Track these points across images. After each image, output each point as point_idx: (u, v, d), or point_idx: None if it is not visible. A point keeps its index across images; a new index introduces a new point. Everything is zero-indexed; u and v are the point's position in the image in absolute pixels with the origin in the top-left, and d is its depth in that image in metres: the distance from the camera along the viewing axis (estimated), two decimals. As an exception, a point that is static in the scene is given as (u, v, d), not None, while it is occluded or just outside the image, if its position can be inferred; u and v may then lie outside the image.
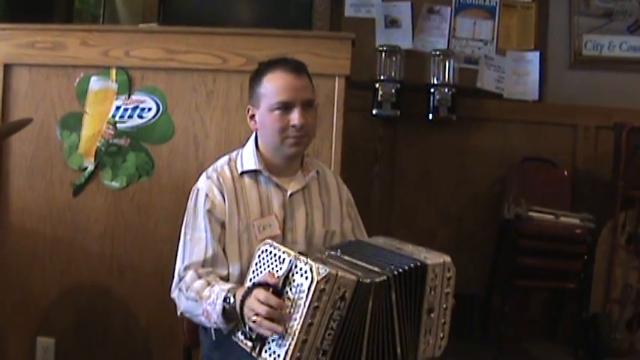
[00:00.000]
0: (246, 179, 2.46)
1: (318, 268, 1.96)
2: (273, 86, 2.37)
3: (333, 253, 2.24)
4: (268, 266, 2.11)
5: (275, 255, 2.11)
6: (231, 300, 2.15)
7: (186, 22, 4.39)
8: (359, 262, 2.16)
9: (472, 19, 4.87)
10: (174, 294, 2.40)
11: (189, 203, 2.46)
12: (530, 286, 4.46)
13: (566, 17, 4.84)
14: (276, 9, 5.11)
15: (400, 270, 2.11)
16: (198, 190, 2.44)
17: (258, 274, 2.15)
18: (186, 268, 2.38)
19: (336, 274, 1.97)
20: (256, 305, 2.03)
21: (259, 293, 2.04)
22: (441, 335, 2.24)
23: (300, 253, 2.06)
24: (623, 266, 4.34)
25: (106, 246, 3.47)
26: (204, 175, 2.47)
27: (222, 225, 2.39)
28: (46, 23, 3.64)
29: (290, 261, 2.04)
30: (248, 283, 2.16)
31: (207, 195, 2.41)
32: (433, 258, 2.20)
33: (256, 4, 5.26)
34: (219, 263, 2.37)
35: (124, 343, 3.49)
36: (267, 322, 2.01)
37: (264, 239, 2.36)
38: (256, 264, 2.16)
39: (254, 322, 2.03)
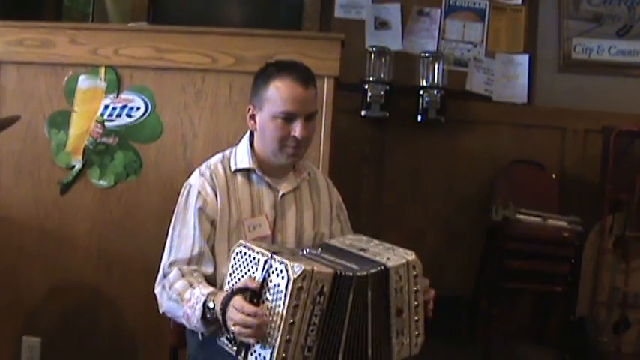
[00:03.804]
0: (239, 178, 2.46)
1: (293, 267, 1.95)
2: (280, 94, 2.35)
3: (305, 251, 2.25)
4: (244, 268, 2.10)
5: (250, 256, 2.09)
6: (211, 305, 2.15)
7: (175, 22, 4.39)
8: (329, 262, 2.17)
9: (462, 22, 4.87)
10: (157, 290, 2.40)
11: (180, 199, 2.46)
12: (517, 288, 4.46)
13: (555, 21, 4.85)
14: (265, 9, 5.11)
15: (364, 273, 2.10)
16: (190, 186, 2.44)
17: (235, 277, 2.14)
18: (171, 264, 2.38)
19: (312, 270, 1.97)
20: (235, 314, 2.03)
21: (237, 302, 2.03)
22: (416, 333, 2.22)
23: (274, 252, 2.04)
24: (610, 269, 4.35)
25: (94, 245, 3.46)
26: (197, 172, 2.47)
27: (213, 223, 2.39)
28: (34, 21, 3.62)
29: (265, 261, 2.03)
30: (227, 286, 2.16)
31: (199, 192, 2.41)
32: (396, 259, 2.19)
33: (246, 4, 5.25)
34: (205, 261, 2.37)
35: (111, 343, 3.48)
36: (247, 331, 2.01)
37: (254, 239, 2.37)
38: (232, 266, 2.15)
39: (234, 331, 2.03)
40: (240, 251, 2.13)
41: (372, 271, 2.11)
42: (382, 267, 2.14)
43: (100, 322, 3.49)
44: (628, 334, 4.37)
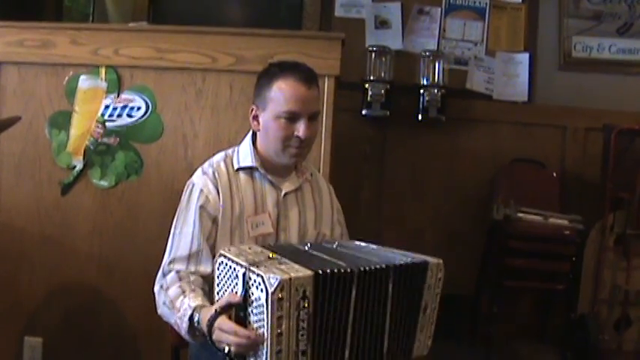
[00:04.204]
0: (242, 175, 2.47)
1: (269, 279, 1.90)
2: (283, 94, 2.36)
3: (327, 246, 2.30)
4: (227, 280, 2.08)
5: (230, 267, 2.06)
6: (196, 319, 2.16)
7: (176, 22, 4.38)
8: (360, 256, 2.19)
9: (462, 20, 4.88)
10: (156, 288, 2.41)
11: (183, 197, 2.47)
12: (518, 287, 4.45)
13: (555, 19, 4.85)
14: (266, 9, 5.10)
15: (402, 263, 2.14)
16: (193, 184, 2.45)
17: (221, 289, 2.11)
18: (171, 262, 2.40)
19: (290, 278, 1.92)
20: (226, 337, 2.02)
21: (225, 324, 2.02)
22: (429, 335, 2.25)
23: (252, 264, 2.00)
24: (612, 267, 4.35)
25: (95, 245, 3.47)
26: (199, 170, 2.48)
27: (215, 221, 2.40)
28: (35, 21, 3.63)
29: (244, 274, 1.99)
30: (216, 297, 2.14)
31: (201, 190, 2.42)
32: (430, 259, 2.23)
33: (246, 4, 5.24)
34: (204, 259, 2.38)
35: (113, 343, 3.48)
36: (238, 349, 2.00)
37: (257, 236, 2.40)
38: (218, 277, 2.13)
39: (226, 351, 2.03)
40: (222, 262, 2.10)
41: (402, 263, 2.14)
42: (422, 260, 2.19)
43: (102, 321, 3.49)
44: (629, 332, 4.37)
